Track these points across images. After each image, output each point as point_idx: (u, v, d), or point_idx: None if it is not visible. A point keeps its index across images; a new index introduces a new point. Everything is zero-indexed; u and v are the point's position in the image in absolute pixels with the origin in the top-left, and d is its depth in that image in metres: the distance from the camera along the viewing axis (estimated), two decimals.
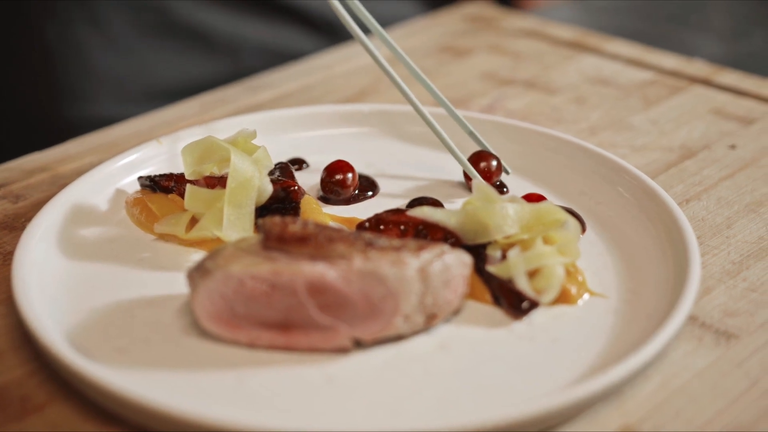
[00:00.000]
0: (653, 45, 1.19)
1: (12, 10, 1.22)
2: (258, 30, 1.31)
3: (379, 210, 0.79)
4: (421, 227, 0.75)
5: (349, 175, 0.85)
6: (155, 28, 1.26)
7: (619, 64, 1.14)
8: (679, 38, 1.55)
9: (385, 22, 1.38)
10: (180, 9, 1.26)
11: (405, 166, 0.91)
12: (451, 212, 0.75)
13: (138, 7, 1.24)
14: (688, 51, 1.21)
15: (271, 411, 0.63)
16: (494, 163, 0.86)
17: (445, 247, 0.69)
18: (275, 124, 0.95)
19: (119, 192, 0.85)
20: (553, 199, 0.84)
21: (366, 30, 0.93)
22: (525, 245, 0.73)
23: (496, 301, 0.72)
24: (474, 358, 0.67)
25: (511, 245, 0.73)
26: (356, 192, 0.86)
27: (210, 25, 1.28)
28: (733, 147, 0.95)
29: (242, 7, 1.30)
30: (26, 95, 1.27)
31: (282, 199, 0.81)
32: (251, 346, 0.68)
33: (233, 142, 0.81)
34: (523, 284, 0.71)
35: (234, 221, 0.77)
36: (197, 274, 0.68)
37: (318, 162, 0.90)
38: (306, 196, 0.82)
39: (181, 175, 0.82)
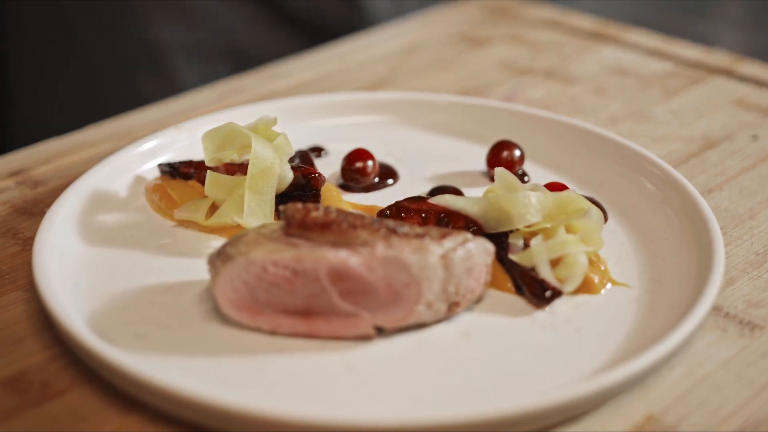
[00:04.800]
0: (671, 35, 1.18)
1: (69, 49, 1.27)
2: None
3: (399, 198, 0.79)
4: (442, 215, 0.75)
5: (369, 162, 0.85)
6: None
7: (639, 55, 1.13)
8: (697, 29, 1.54)
9: (405, 11, 1.38)
10: None
11: (425, 155, 0.90)
12: (473, 200, 0.75)
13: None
14: (706, 42, 1.20)
15: (291, 397, 0.63)
16: (517, 152, 0.86)
17: (468, 235, 0.69)
18: (295, 111, 0.94)
19: (138, 178, 0.85)
20: (574, 189, 0.83)
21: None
22: (547, 234, 0.73)
23: (519, 289, 0.71)
24: (496, 346, 0.67)
25: (533, 234, 0.73)
26: (376, 180, 0.86)
27: None
28: (755, 138, 0.94)
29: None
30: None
31: (302, 186, 0.80)
32: (273, 332, 0.67)
33: (254, 128, 0.81)
34: (545, 273, 0.70)
35: (255, 208, 0.76)
36: (219, 260, 0.67)
37: (338, 150, 0.89)
38: (326, 184, 0.82)
39: (201, 162, 0.82)
